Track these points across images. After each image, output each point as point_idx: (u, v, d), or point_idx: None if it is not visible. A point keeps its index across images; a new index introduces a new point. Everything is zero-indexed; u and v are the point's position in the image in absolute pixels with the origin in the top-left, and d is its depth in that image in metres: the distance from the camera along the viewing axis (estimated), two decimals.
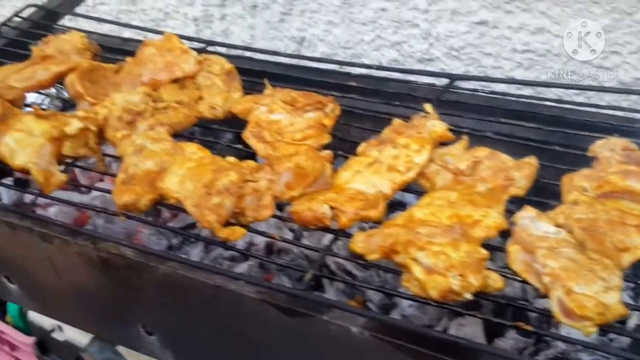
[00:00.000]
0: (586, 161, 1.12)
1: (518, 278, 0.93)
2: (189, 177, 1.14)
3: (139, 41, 1.74)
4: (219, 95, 1.33)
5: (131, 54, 1.59)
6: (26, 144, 1.27)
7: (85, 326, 1.38)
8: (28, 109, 1.46)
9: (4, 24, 1.70)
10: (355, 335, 0.96)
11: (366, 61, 2.11)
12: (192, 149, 1.20)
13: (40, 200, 1.60)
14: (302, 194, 1.08)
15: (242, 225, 1.09)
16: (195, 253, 1.46)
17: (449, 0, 1.87)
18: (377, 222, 1.05)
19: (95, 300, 1.29)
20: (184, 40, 1.50)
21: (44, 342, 1.74)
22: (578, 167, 1.08)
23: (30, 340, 1.75)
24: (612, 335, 1.12)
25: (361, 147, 1.17)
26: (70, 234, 1.20)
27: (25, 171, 1.26)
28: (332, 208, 1.03)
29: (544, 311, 1.01)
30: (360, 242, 0.98)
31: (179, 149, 1.21)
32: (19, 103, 1.42)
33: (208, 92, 1.34)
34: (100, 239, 1.18)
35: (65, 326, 1.69)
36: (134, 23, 2.48)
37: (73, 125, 1.25)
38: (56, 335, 1.71)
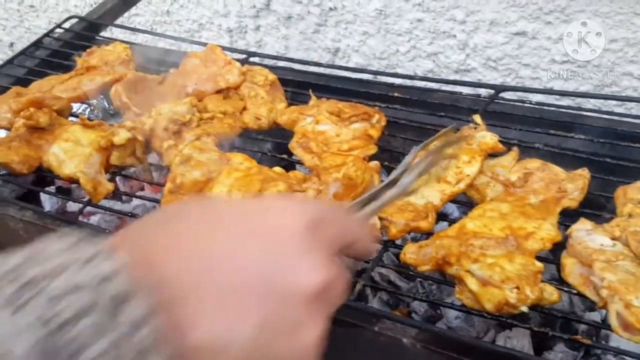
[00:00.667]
0: (635, 171, 1.11)
1: (572, 290, 0.93)
2: (237, 187, 1.14)
3: (179, 52, 1.77)
4: (264, 106, 1.34)
5: (172, 64, 1.61)
6: (74, 154, 1.29)
7: None
8: (72, 118, 1.48)
9: (46, 35, 1.72)
10: (407, 347, 0.95)
11: (401, 72, 2.12)
12: (239, 159, 1.21)
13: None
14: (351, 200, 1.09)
15: None
16: None
17: (486, 11, 1.87)
18: (427, 233, 1.05)
19: None
20: (225, 51, 1.52)
21: None
22: (629, 179, 1.07)
23: None
24: None
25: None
26: None
27: (73, 180, 1.27)
28: (380, 219, 1.03)
29: (595, 324, 1.01)
30: (411, 254, 0.98)
31: (225, 159, 1.22)
32: (65, 113, 1.44)
33: (252, 103, 1.35)
34: None
35: None
36: (168, 34, 2.51)
37: (121, 135, 1.26)
38: None
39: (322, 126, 1.24)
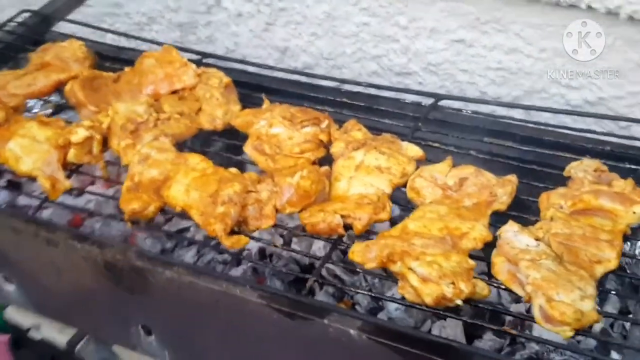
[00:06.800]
0: (557, 178, 1.22)
1: (501, 286, 1.03)
2: (194, 187, 1.21)
3: (133, 50, 1.81)
4: (219, 108, 1.40)
5: (124, 61, 1.65)
6: (31, 150, 1.32)
7: (84, 326, 1.43)
8: (26, 114, 1.51)
9: None
10: (353, 337, 1.04)
11: (347, 72, 2.20)
12: (196, 160, 1.27)
13: (34, 202, 1.65)
14: (302, 208, 1.17)
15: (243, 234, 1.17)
16: (188, 256, 1.52)
17: (428, 19, 1.97)
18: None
19: (95, 302, 1.35)
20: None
21: (19, 340, 1.78)
22: (552, 185, 1.18)
23: (5, 337, 1.79)
24: (579, 338, 1.22)
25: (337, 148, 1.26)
26: (77, 239, 1.25)
27: (31, 177, 1.31)
28: (342, 217, 1.12)
29: (520, 315, 1.12)
30: (358, 252, 1.07)
31: (182, 158, 1.28)
32: (20, 109, 1.47)
33: (208, 104, 1.41)
34: (107, 244, 1.24)
35: (43, 325, 1.74)
36: (117, 26, 2.52)
37: (79, 133, 1.31)
38: (33, 334, 1.75)
39: (276, 129, 1.31)
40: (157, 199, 1.22)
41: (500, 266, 1.02)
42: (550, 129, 1.35)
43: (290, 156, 1.26)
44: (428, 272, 0.98)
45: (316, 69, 2.26)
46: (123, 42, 2.04)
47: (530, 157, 1.27)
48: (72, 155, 1.31)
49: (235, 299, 1.13)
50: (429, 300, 0.97)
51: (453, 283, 0.97)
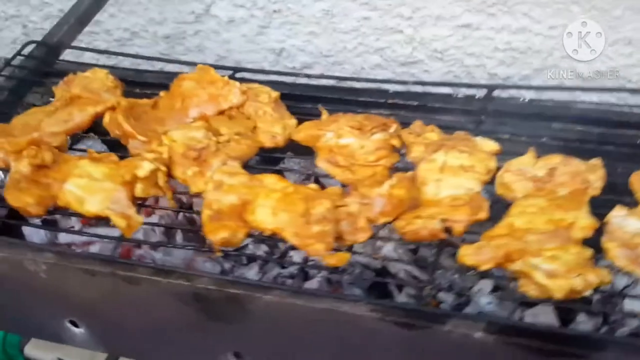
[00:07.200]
0: (629, 156, 1.26)
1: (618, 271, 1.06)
2: (281, 208, 1.19)
3: (147, 71, 1.76)
4: (276, 124, 1.37)
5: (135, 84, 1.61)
6: (93, 190, 1.27)
7: None
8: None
9: (7, 63, 1.65)
10: (478, 341, 1.05)
11: (348, 67, 2.20)
12: (272, 180, 1.25)
13: (76, 238, 1.60)
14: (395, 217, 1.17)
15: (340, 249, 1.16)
16: (251, 274, 1.50)
17: (432, 7, 1.98)
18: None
19: (180, 335, 1.31)
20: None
21: None
22: (633, 164, 1.21)
23: None
24: None
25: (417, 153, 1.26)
26: (160, 274, 1.22)
27: (100, 217, 1.26)
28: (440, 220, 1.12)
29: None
30: (470, 255, 1.08)
31: (257, 180, 1.25)
32: (63, 148, 1.41)
33: (262, 122, 1.38)
34: (194, 275, 1.21)
35: (67, 358, 1.70)
36: (96, 44, 2.44)
37: (145, 167, 1.26)
38: None
39: (345, 140, 1.30)
40: (243, 224, 1.19)
41: (614, 251, 1.05)
42: (613, 109, 1.38)
43: (366, 165, 1.26)
44: (554, 267, 1.00)
45: (315, 67, 2.25)
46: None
47: (603, 138, 1.30)
48: (139, 190, 1.27)
49: (345, 316, 1.12)
50: (559, 295, 0.99)
51: (580, 275, 0.99)
